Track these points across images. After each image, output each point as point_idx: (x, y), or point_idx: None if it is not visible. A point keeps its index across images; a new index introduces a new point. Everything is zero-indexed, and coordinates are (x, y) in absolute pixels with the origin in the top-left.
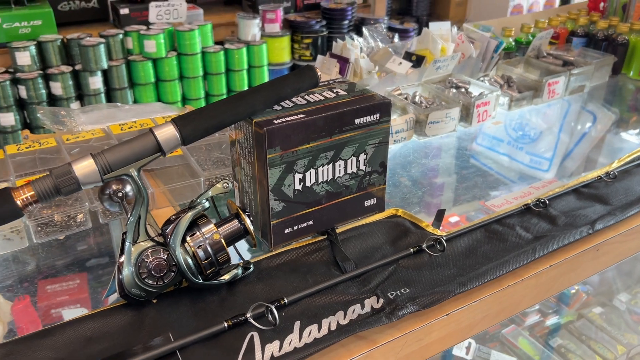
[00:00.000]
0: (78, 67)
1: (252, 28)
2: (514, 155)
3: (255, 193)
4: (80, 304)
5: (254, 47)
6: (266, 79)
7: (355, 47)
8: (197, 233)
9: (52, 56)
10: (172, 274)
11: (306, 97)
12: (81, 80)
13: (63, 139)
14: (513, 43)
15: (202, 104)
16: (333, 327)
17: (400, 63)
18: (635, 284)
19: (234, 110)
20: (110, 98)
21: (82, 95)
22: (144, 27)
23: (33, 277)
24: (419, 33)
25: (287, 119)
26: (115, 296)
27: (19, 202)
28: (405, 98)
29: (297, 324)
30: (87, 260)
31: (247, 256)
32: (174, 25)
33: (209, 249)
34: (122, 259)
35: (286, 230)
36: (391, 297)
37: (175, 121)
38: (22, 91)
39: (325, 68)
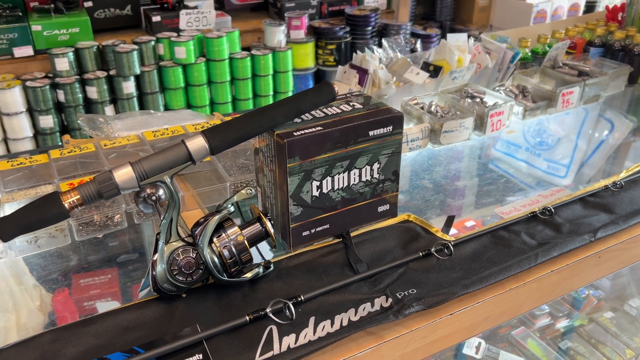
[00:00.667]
0: (112, 72)
1: (277, 34)
2: (531, 162)
3: (276, 198)
4: (112, 297)
5: (280, 53)
6: (291, 83)
7: (374, 58)
8: (223, 234)
9: (89, 62)
10: (200, 271)
11: (324, 110)
12: (115, 85)
13: (101, 144)
14: (529, 53)
15: (229, 108)
16: (345, 323)
17: (418, 73)
18: None
19: (258, 123)
20: (142, 102)
21: (115, 99)
22: (175, 34)
23: (73, 272)
24: (442, 38)
25: (306, 131)
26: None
27: (66, 205)
28: (422, 107)
29: (312, 319)
30: (121, 257)
31: (267, 256)
32: (203, 32)
33: (234, 249)
34: (156, 257)
35: (304, 233)
36: (399, 296)
37: (205, 133)
38: (61, 95)
39: (345, 78)
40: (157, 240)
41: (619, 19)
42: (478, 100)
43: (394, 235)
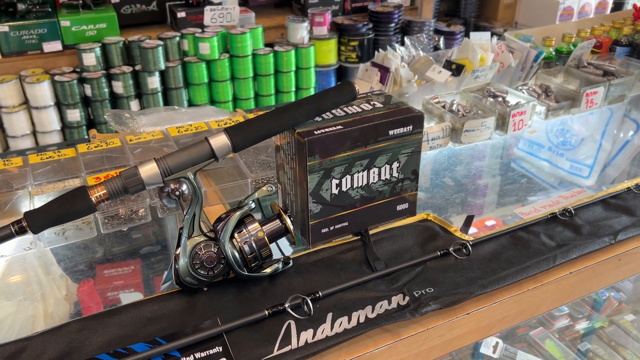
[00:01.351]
0: (138, 67)
1: (300, 31)
2: (554, 162)
3: (296, 195)
4: (135, 288)
5: (302, 50)
6: (313, 80)
7: (396, 57)
8: (244, 230)
9: (115, 57)
10: (221, 265)
11: (345, 109)
12: (140, 80)
13: (127, 139)
14: (553, 52)
15: (252, 104)
16: (362, 320)
17: (440, 71)
18: None
19: (279, 121)
20: (166, 97)
21: (141, 94)
22: (199, 30)
23: (98, 263)
24: (466, 35)
25: (326, 130)
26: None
27: (93, 199)
28: (443, 106)
29: (329, 315)
30: (144, 249)
31: (287, 252)
32: (227, 28)
33: (254, 244)
34: (178, 251)
35: (323, 230)
36: (416, 295)
37: (228, 131)
38: (87, 90)
39: (367, 76)
40: (179, 235)
41: None
42: (500, 99)
43: (412, 234)
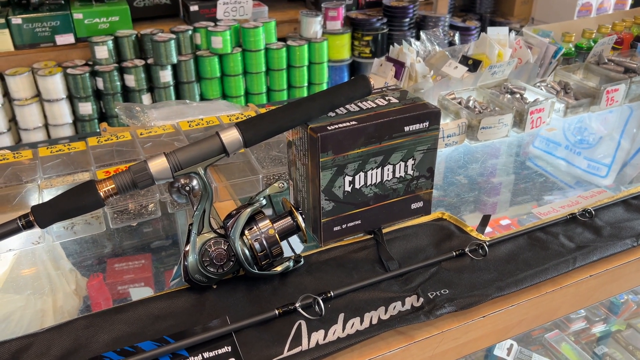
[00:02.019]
0: (150, 61)
1: (314, 25)
2: (571, 160)
3: (308, 192)
4: (145, 282)
5: (315, 44)
6: (326, 75)
7: (411, 51)
8: (255, 227)
9: (127, 50)
10: (231, 263)
11: (359, 104)
12: (152, 74)
13: (137, 133)
14: (573, 49)
15: (264, 98)
16: (374, 321)
17: (456, 67)
18: None
19: (292, 116)
20: (178, 91)
21: (152, 87)
22: (212, 24)
23: (107, 258)
24: (482, 30)
25: (340, 125)
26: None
27: (101, 194)
28: (459, 102)
29: (341, 316)
30: (153, 245)
31: (298, 250)
32: (240, 22)
33: (265, 242)
34: (188, 247)
35: (335, 228)
36: (431, 296)
37: (239, 125)
38: (100, 83)
39: (381, 71)
40: (189, 231)
41: None
42: (518, 96)
43: (427, 233)
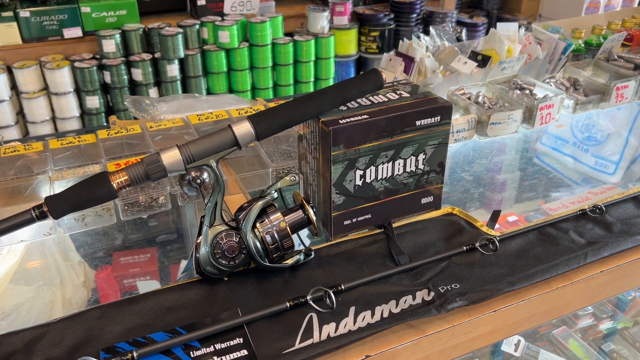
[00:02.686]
0: (157, 55)
1: (321, 20)
2: (578, 157)
3: (319, 186)
4: (151, 275)
5: (322, 40)
6: (332, 70)
7: (421, 46)
8: (266, 220)
9: (135, 44)
10: (243, 255)
11: (371, 98)
12: (159, 68)
13: (147, 126)
14: (582, 45)
15: (270, 93)
16: (385, 315)
17: (466, 62)
18: None
19: (304, 110)
20: (185, 85)
21: (160, 81)
22: (219, 18)
23: (116, 250)
24: (489, 27)
25: (352, 119)
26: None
27: (114, 185)
28: (469, 98)
29: (352, 309)
30: (159, 239)
31: (309, 243)
32: (247, 16)
33: (276, 235)
34: (200, 239)
35: (345, 222)
36: (442, 290)
37: (251, 118)
38: (107, 76)
39: (391, 66)
40: (201, 224)
41: None
42: (527, 92)
43: (437, 228)
